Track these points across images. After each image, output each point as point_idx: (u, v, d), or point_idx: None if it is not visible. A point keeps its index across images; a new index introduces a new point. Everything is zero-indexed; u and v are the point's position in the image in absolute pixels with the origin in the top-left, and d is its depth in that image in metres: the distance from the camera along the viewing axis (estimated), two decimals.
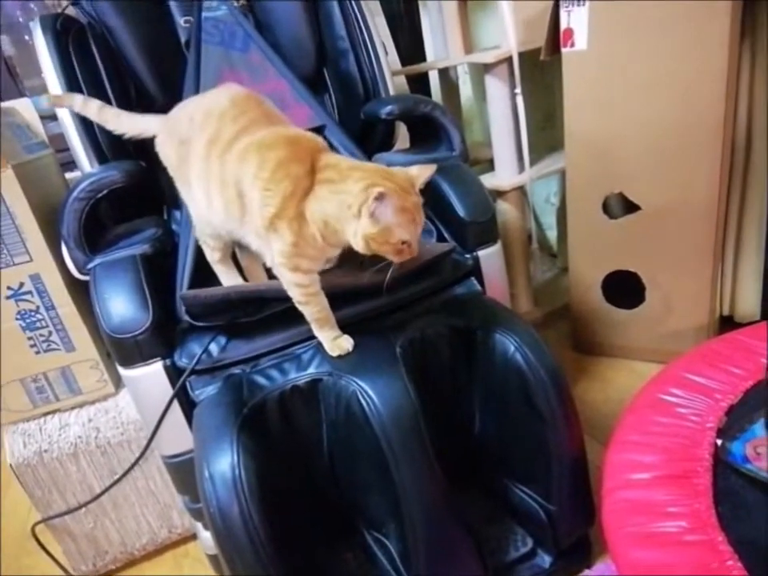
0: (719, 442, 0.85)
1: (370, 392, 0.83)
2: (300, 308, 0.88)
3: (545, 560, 0.96)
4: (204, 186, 0.89)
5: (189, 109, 0.94)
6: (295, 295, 0.86)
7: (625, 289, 1.48)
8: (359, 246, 0.80)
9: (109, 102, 1.18)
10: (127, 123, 1.01)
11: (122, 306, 0.91)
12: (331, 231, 0.80)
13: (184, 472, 0.96)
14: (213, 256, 1.02)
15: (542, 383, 0.89)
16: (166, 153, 0.96)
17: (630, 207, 1.40)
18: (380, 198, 0.74)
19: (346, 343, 0.90)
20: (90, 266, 0.98)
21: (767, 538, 0.70)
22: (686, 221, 1.33)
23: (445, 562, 0.86)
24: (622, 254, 1.45)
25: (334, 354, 0.89)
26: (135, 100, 1.26)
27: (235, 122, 0.86)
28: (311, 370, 0.90)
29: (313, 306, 0.88)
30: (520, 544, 0.98)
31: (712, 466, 0.81)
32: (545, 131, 1.87)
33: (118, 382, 1.18)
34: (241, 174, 0.83)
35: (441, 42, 1.78)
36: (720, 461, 0.82)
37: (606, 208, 1.43)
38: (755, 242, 1.40)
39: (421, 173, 0.82)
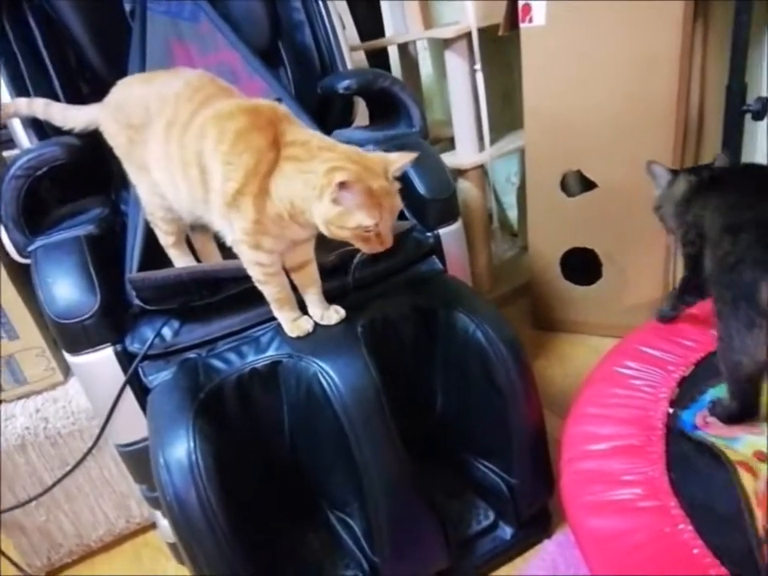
0: (671, 411, 0.88)
1: (331, 373, 0.82)
2: (260, 287, 0.85)
3: (506, 532, 0.98)
4: (167, 172, 0.86)
5: (137, 92, 0.90)
6: (255, 274, 0.84)
7: (582, 266, 1.50)
8: (323, 230, 0.77)
9: (49, 79, 1.12)
10: (73, 117, 0.98)
11: (66, 289, 0.87)
12: (298, 211, 0.77)
13: (140, 461, 0.93)
14: (166, 240, 0.99)
15: (502, 360, 0.90)
16: (111, 133, 0.93)
17: (588, 185, 1.42)
18: (342, 186, 0.70)
19: (306, 324, 0.88)
20: (31, 248, 0.93)
21: (715, 500, 0.73)
22: (641, 198, 1.35)
23: (408, 539, 0.86)
24: (579, 231, 1.47)
25: (294, 335, 0.88)
26: (78, 74, 1.19)
27: (191, 100, 0.83)
28: (270, 352, 0.88)
29: (273, 287, 0.85)
30: (482, 517, 1.00)
31: (665, 435, 0.84)
32: (505, 109, 1.86)
33: (67, 370, 1.13)
34: (201, 148, 0.80)
35: (400, 17, 1.74)
36: (672, 429, 0.85)
37: (563, 186, 1.45)
38: None
39: (398, 159, 0.77)
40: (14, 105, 1.00)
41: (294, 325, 0.88)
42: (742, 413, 0.81)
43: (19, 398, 1.12)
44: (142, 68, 1.11)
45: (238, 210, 0.78)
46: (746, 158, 1.17)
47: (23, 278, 1.02)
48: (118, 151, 0.94)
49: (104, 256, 0.93)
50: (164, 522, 1.02)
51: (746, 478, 0.73)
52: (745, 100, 1.08)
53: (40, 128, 1.07)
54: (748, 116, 1.08)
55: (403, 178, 1.06)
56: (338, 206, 0.72)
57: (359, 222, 0.73)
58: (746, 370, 0.76)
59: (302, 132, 0.80)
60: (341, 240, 0.77)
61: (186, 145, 0.82)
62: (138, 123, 0.88)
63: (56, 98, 1.11)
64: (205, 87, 0.85)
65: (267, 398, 0.89)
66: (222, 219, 0.83)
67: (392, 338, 0.96)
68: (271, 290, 0.86)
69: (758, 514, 0.70)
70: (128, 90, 0.92)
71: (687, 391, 0.91)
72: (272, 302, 0.87)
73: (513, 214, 2.12)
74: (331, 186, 0.71)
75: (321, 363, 0.83)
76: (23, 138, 1.07)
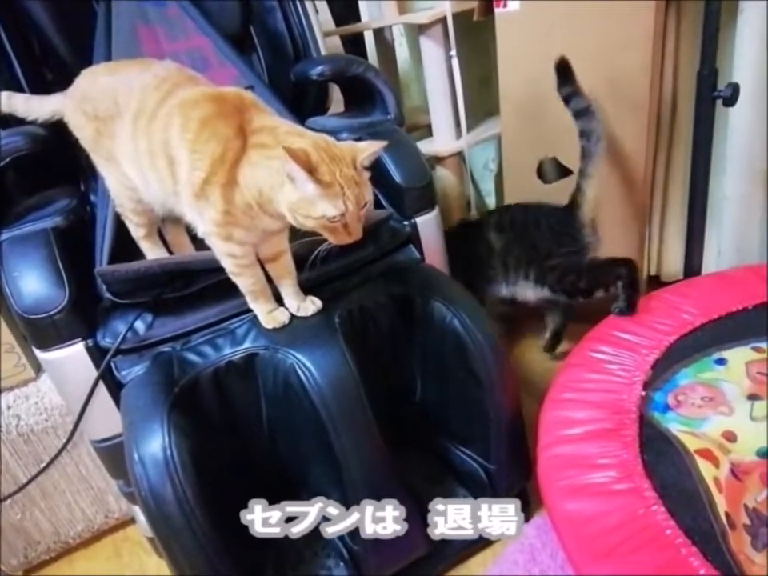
0: (644, 394, 0.89)
1: (308, 364, 0.81)
2: (234, 279, 0.84)
3: None
4: (136, 164, 0.84)
5: (103, 82, 0.88)
6: (228, 266, 0.82)
7: None
8: (290, 220, 0.75)
9: (11, 66, 1.08)
10: (36, 108, 0.95)
11: (34, 283, 0.84)
12: (266, 200, 0.75)
13: (115, 456, 0.91)
14: (137, 232, 0.97)
15: (479, 348, 0.90)
16: (77, 124, 0.90)
17: (563, 171, 1.42)
18: (291, 154, 0.66)
19: (282, 315, 0.87)
20: None
21: (686, 482, 0.74)
22: (615, 185, 1.37)
23: None
24: None
25: (269, 326, 0.87)
26: (41, 60, 1.15)
27: (158, 89, 0.81)
28: (247, 344, 0.87)
29: (247, 278, 0.84)
30: None
31: (638, 418, 0.86)
32: (482, 95, 1.86)
33: (39, 366, 1.11)
34: (167, 138, 0.78)
35: (375, 3, 1.72)
36: (643, 413, 0.86)
37: (540, 172, 1.45)
38: (680, 205, 1.47)
39: (366, 148, 0.75)
40: None
41: (270, 316, 0.87)
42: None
43: None
44: (108, 54, 1.08)
45: (206, 201, 0.77)
46: (716, 144, 1.19)
47: None
48: (85, 143, 0.92)
49: (73, 248, 0.91)
50: (142, 517, 1.01)
51: (703, 467, 0.75)
52: (716, 86, 1.08)
53: (1, 118, 1.04)
54: (719, 102, 1.09)
55: (379, 167, 1.06)
56: (295, 187, 0.70)
57: (323, 212, 0.71)
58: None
59: (269, 119, 0.78)
60: (309, 231, 0.76)
61: (153, 135, 0.80)
62: (105, 116, 0.86)
63: (18, 86, 1.08)
64: (172, 77, 0.83)
65: (244, 391, 0.88)
66: (192, 210, 0.81)
67: (369, 327, 0.96)
68: (245, 281, 0.84)
69: (720, 501, 0.71)
70: (94, 80, 0.90)
71: (660, 373, 0.93)
72: (247, 293, 0.86)
73: (491, 201, 2.12)
74: (285, 161, 0.67)
75: (298, 355, 0.82)
76: None
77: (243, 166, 0.75)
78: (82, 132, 0.91)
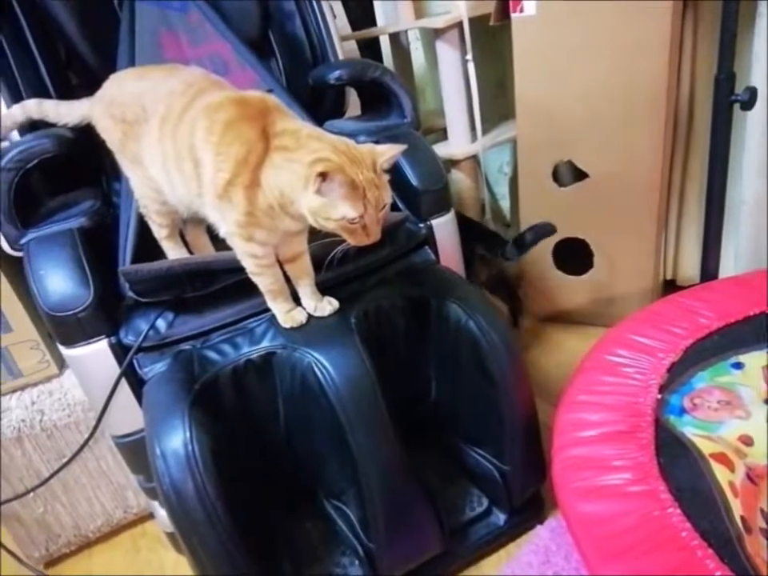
0: (660, 397, 0.89)
1: (326, 363, 0.83)
2: (253, 279, 0.86)
3: (500, 518, 1.00)
4: (162, 167, 0.86)
5: (131, 87, 0.90)
6: (248, 266, 0.84)
7: (574, 256, 1.52)
8: (310, 221, 0.77)
9: (38, 70, 1.11)
10: (66, 113, 0.98)
11: (60, 282, 0.87)
12: (287, 201, 0.77)
13: (136, 452, 0.93)
14: (160, 233, 0.99)
15: (494, 349, 0.91)
16: (105, 127, 0.93)
17: (579, 175, 1.42)
18: (323, 177, 0.71)
19: (300, 315, 0.89)
20: (24, 241, 0.92)
21: (702, 485, 0.74)
22: (632, 189, 1.36)
23: (403, 525, 0.88)
24: (571, 221, 1.47)
25: (287, 325, 0.88)
26: (67, 65, 1.18)
27: (184, 94, 0.84)
28: (265, 343, 0.89)
29: (266, 278, 0.86)
30: (476, 504, 1.01)
31: (654, 421, 0.86)
32: (497, 99, 1.86)
33: (62, 363, 1.14)
34: (192, 141, 0.80)
35: (391, 7, 1.73)
36: (659, 417, 0.86)
37: (555, 176, 1.45)
38: (696, 210, 1.46)
39: (386, 151, 0.76)
40: (11, 116, 0.99)
41: (288, 316, 0.89)
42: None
43: (14, 390, 1.12)
44: (132, 59, 1.10)
45: (229, 202, 0.79)
46: (736, 146, 1.18)
47: (16, 270, 1.01)
48: (112, 145, 0.94)
49: (97, 248, 0.93)
50: (162, 512, 1.03)
51: (719, 471, 0.75)
52: (733, 90, 1.08)
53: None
54: (737, 106, 1.09)
55: (395, 170, 1.07)
56: (321, 197, 0.73)
57: (343, 214, 0.73)
58: None
59: (291, 122, 0.80)
60: (329, 232, 0.77)
61: (179, 139, 0.82)
62: (132, 119, 0.88)
63: (45, 90, 1.10)
64: (198, 82, 0.85)
65: (262, 389, 0.89)
66: (215, 211, 0.83)
67: (385, 327, 0.97)
68: (265, 281, 0.86)
69: (735, 505, 0.71)
70: (122, 85, 0.92)
71: (676, 376, 0.93)
72: (266, 293, 0.88)
73: (505, 204, 2.13)
74: (312, 178, 0.71)
75: (315, 354, 0.84)
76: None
77: (266, 168, 0.76)
78: (110, 135, 0.93)
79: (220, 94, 0.82)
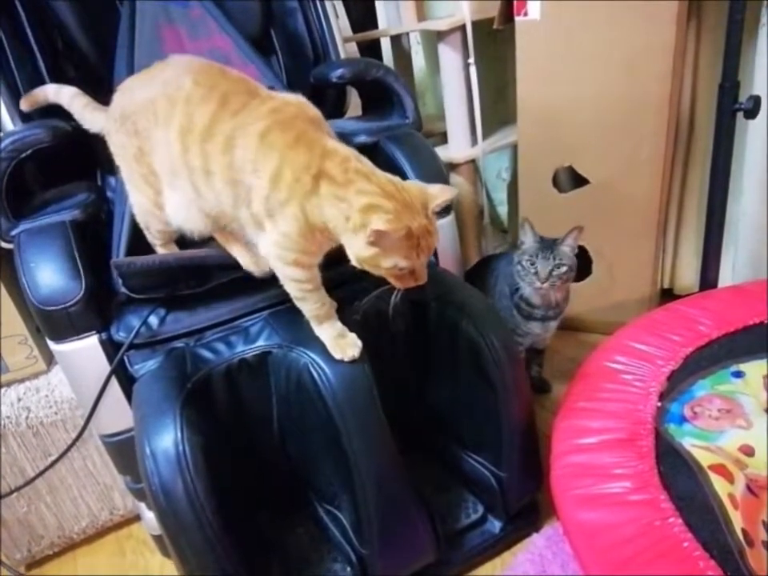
0: (659, 404, 0.88)
1: (322, 364, 0.81)
2: (298, 304, 0.81)
3: (495, 525, 0.98)
4: (184, 180, 0.80)
5: (141, 97, 0.83)
6: (292, 290, 0.79)
7: None
8: (354, 263, 0.73)
9: (35, 61, 1.09)
10: (91, 119, 0.92)
11: (50, 275, 0.84)
12: (331, 232, 0.73)
13: (124, 451, 0.91)
14: (155, 242, 0.94)
15: (493, 354, 0.89)
16: (121, 143, 0.86)
17: (579, 181, 1.42)
18: (377, 234, 0.66)
19: (352, 350, 0.80)
20: (15, 232, 0.90)
21: (704, 494, 0.73)
22: (632, 196, 1.36)
23: (397, 532, 0.86)
24: (570, 227, 1.46)
25: (338, 356, 0.80)
26: (64, 57, 1.16)
27: (206, 101, 0.76)
28: (260, 342, 0.87)
29: (311, 303, 0.80)
30: (471, 511, 0.99)
31: (654, 429, 0.85)
32: (498, 103, 1.86)
33: (50, 359, 1.11)
34: (230, 160, 0.74)
35: (393, 9, 1.73)
36: (659, 425, 0.85)
37: (555, 181, 1.45)
38: (695, 219, 1.46)
39: (439, 194, 0.72)
40: (43, 92, 0.96)
41: (338, 345, 0.80)
42: None
43: (0, 386, 1.09)
44: (131, 53, 1.08)
45: (275, 225, 0.74)
46: (736, 157, 1.18)
47: (5, 263, 0.99)
48: (124, 162, 0.87)
49: (90, 242, 0.91)
50: (149, 514, 1.01)
51: (717, 483, 0.73)
52: (737, 98, 1.08)
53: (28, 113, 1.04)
54: (740, 114, 1.09)
55: (395, 169, 1.06)
56: (373, 247, 0.69)
57: (395, 263, 0.70)
58: None
59: (338, 146, 0.75)
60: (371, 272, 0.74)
61: (211, 156, 0.76)
62: (144, 129, 0.82)
63: (41, 81, 1.08)
64: (216, 84, 0.78)
65: (256, 389, 0.87)
66: (256, 230, 0.78)
67: (384, 330, 0.95)
68: (310, 306, 0.80)
69: (736, 518, 0.70)
70: (131, 96, 0.85)
71: (676, 384, 0.92)
72: (311, 318, 0.82)
73: (503, 210, 2.12)
74: (367, 229, 0.66)
75: (312, 354, 0.82)
76: (6, 118, 1.04)
77: (311, 197, 0.72)
78: (125, 152, 0.86)
79: (261, 111, 0.75)
